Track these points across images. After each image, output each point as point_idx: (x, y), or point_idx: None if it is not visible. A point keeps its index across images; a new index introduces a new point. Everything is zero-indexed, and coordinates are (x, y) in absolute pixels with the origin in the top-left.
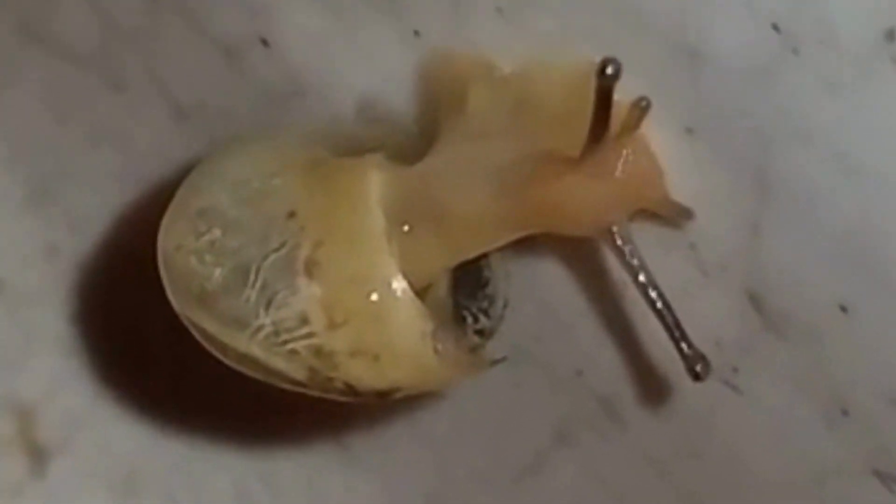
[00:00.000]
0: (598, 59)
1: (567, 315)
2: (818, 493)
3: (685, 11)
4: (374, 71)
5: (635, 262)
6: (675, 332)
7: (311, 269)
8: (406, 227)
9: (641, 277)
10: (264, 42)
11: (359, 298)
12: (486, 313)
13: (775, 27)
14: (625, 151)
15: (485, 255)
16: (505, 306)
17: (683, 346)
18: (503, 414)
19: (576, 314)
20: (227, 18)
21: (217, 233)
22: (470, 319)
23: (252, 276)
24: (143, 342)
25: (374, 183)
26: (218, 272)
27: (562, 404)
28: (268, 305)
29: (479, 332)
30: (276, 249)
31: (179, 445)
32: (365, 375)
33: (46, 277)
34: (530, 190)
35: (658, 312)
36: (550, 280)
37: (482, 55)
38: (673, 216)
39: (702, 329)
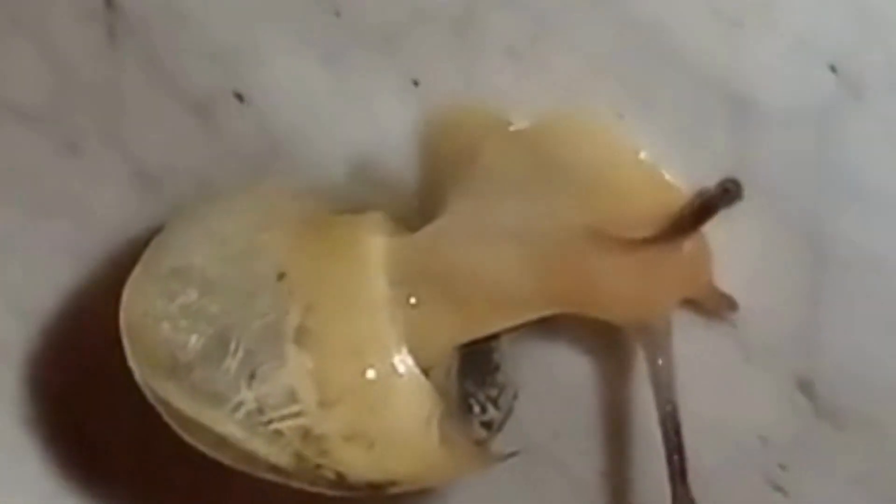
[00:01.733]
0: (624, 105)
1: (589, 410)
2: None
3: (727, 49)
4: (368, 126)
5: (664, 373)
6: (675, 457)
7: (301, 337)
8: (413, 299)
9: (663, 389)
10: (239, 96)
11: (355, 373)
12: (494, 403)
13: (833, 68)
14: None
15: (495, 337)
16: (515, 396)
17: (678, 483)
18: None
19: (599, 409)
20: (196, 70)
21: (193, 295)
22: (477, 409)
23: (233, 345)
24: (104, 448)
25: (377, 245)
26: (193, 339)
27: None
28: (251, 378)
29: (487, 424)
30: (263, 314)
31: None
32: (358, 464)
33: None
34: (570, 265)
35: (666, 436)
36: (569, 368)
37: (493, 107)
38: (716, 307)
39: (743, 420)
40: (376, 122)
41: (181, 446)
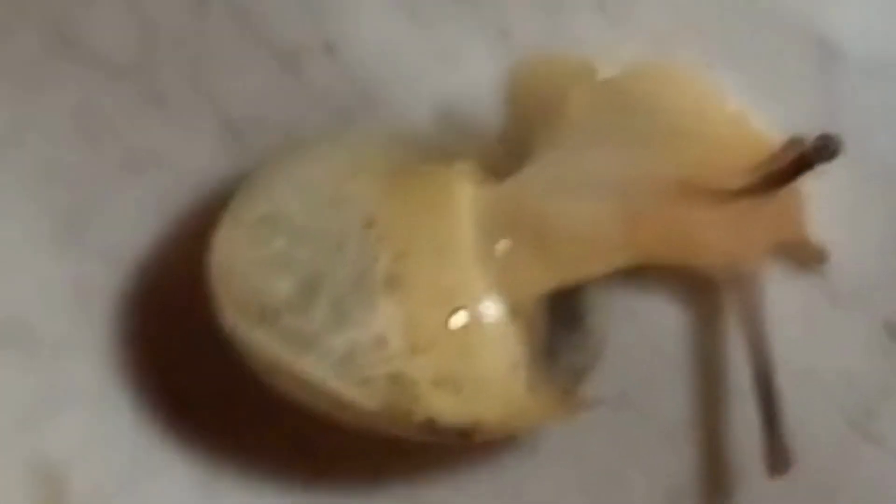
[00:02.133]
0: (712, 56)
1: (678, 359)
2: None
3: None
4: (456, 77)
5: (754, 318)
6: (768, 411)
7: (390, 283)
8: (501, 245)
9: (755, 339)
10: (328, 48)
11: (445, 319)
12: (581, 350)
13: None
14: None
15: (582, 285)
16: (602, 344)
17: (771, 433)
18: (600, 468)
19: (689, 359)
20: (285, 21)
21: (282, 242)
22: (563, 356)
23: (323, 291)
24: (191, 392)
25: (466, 194)
26: (283, 285)
27: (672, 461)
28: (340, 324)
29: (573, 372)
30: (352, 261)
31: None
32: (447, 409)
33: (78, 322)
34: (661, 215)
35: (760, 386)
36: (658, 317)
37: (581, 56)
38: (807, 257)
39: (828, 365)
40: (464, 74)
41: (268, 399)
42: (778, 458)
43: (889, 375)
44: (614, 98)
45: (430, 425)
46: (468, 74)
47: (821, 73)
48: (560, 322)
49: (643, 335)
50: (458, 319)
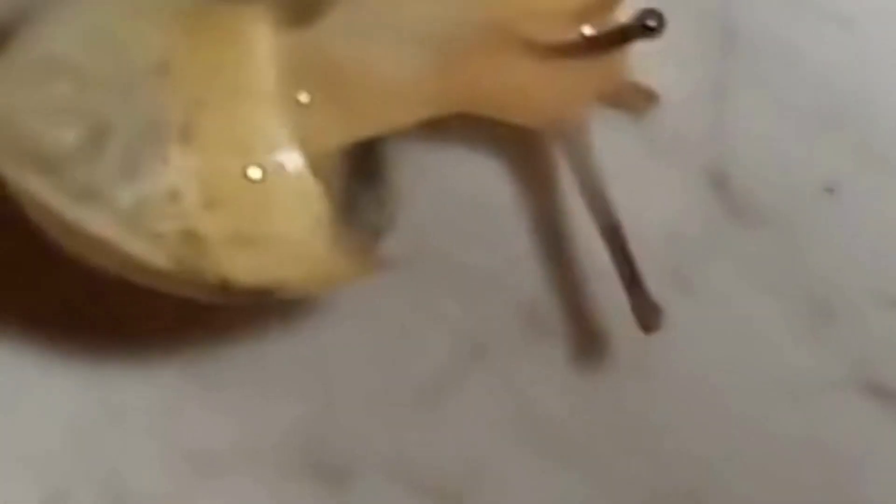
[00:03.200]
0: None
1: (482, 212)
2: (795, 412)
3: None
4: None
5: (588, 171)
6: (625, 267)
7: (185, 134)
8: (303, 97)
9: (593, 191)
10: None
11: (242, 172)
12: (380, 205)
13: None
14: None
15: (380, 137)
16: (400, 199)
17: (636, 289)
18: (401, 323)
19: (492, 211)
20: None
21: (64, 86)
22: (362, 212)
23: (112, 140)
24: None
25: (265, 36)
26: (68, 133)
27: (473, 313)
28: (131, 176)
29: (372, 228)
30: (144, 109)
31: None
32: (243, 268)
33: None
34: (477, 67)
35: (607, 237)
36: (458, 168)
37: None
38: (635, 102)
39: (650, 218)
40: None
41: (52, 257)
42: (647, 312)
43: (710, 228)
44: None
45: (225, 286)
46: None
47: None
48: (357, 177)
49: (438, 189)
50: (257, 173)
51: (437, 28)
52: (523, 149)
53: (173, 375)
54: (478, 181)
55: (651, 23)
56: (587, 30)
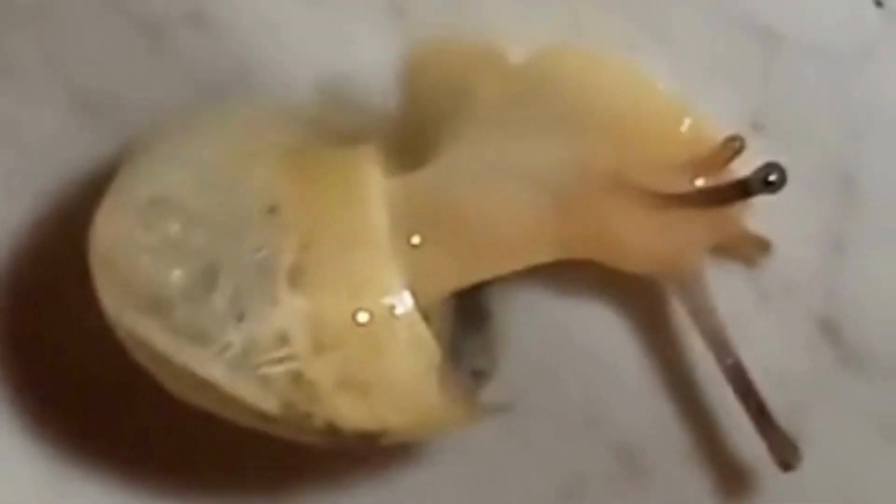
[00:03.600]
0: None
1: (580, 359)
2: None
3: None
4: (342, 55)
5: (706, 313)
6: (753, 404)
7: (295, 276)
8: (415, 239)
9: (713, 332)
10: (196, 18)
11: (352, 316)
12: (485, 351)
13: (877, 1)
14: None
15: (486, 282)
16: (505, 345)
17: (767, 426)
18: (495, 467)
19: (592, 358)
20: None
21: (175, 227)
22: (467, 357)
23: (222, 281)
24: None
25: (375, 181)
26: (177, 274)
27: (570, 457)
28: (239, 318)
29: (476, 374)
30: (254, 250)
31: None
32: (351, 412)
33: None
34: (593, 214)
35: (731, 375)
36: (558, 315)
37: (485, 40)
38: (749, 251)
39: (759, 364)
40: (351, 52)
41: (160, 393)
42: (784, 450)
43: (821, 374)
44: (530, 85)
45: (332, 430)
46: (357, 53)
47: (756, 58)
48: (464, 320)
49: (543, 333)
50: (367, 317)
51: (554, 174)
52: (633, 294)
53: None
54: (581, 322)
55: (773, 177)
56: (702, 182)
